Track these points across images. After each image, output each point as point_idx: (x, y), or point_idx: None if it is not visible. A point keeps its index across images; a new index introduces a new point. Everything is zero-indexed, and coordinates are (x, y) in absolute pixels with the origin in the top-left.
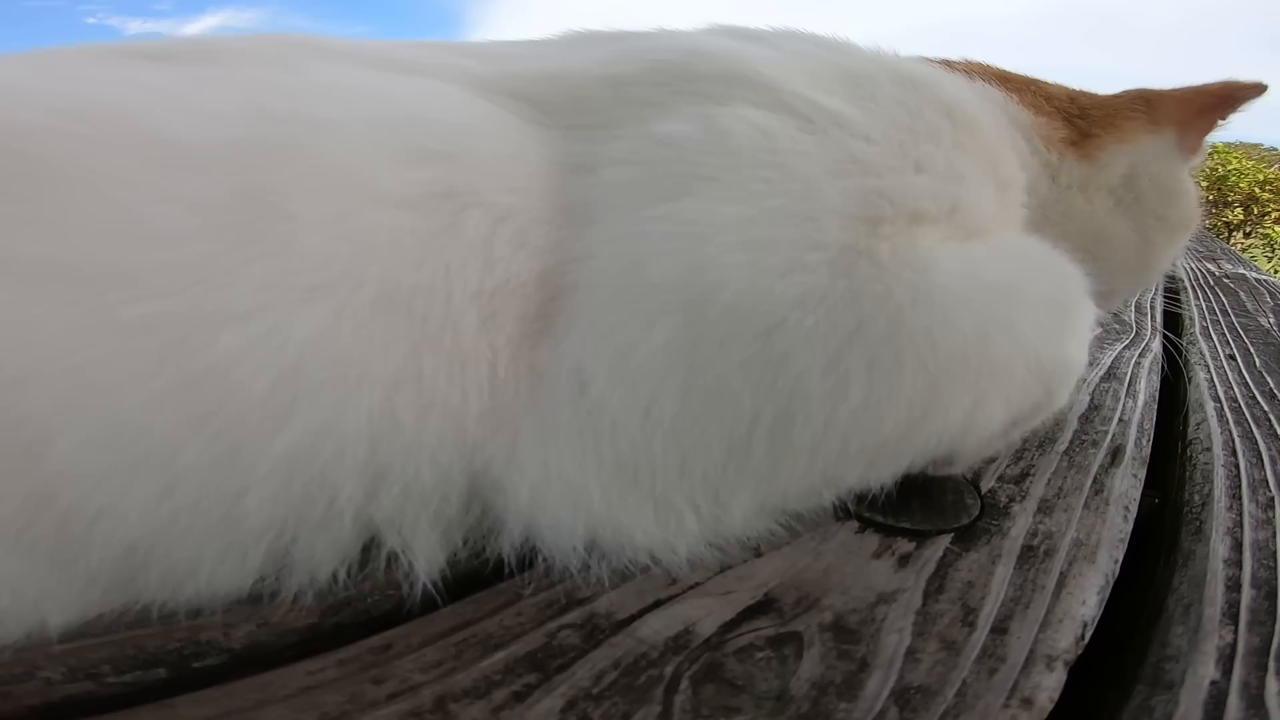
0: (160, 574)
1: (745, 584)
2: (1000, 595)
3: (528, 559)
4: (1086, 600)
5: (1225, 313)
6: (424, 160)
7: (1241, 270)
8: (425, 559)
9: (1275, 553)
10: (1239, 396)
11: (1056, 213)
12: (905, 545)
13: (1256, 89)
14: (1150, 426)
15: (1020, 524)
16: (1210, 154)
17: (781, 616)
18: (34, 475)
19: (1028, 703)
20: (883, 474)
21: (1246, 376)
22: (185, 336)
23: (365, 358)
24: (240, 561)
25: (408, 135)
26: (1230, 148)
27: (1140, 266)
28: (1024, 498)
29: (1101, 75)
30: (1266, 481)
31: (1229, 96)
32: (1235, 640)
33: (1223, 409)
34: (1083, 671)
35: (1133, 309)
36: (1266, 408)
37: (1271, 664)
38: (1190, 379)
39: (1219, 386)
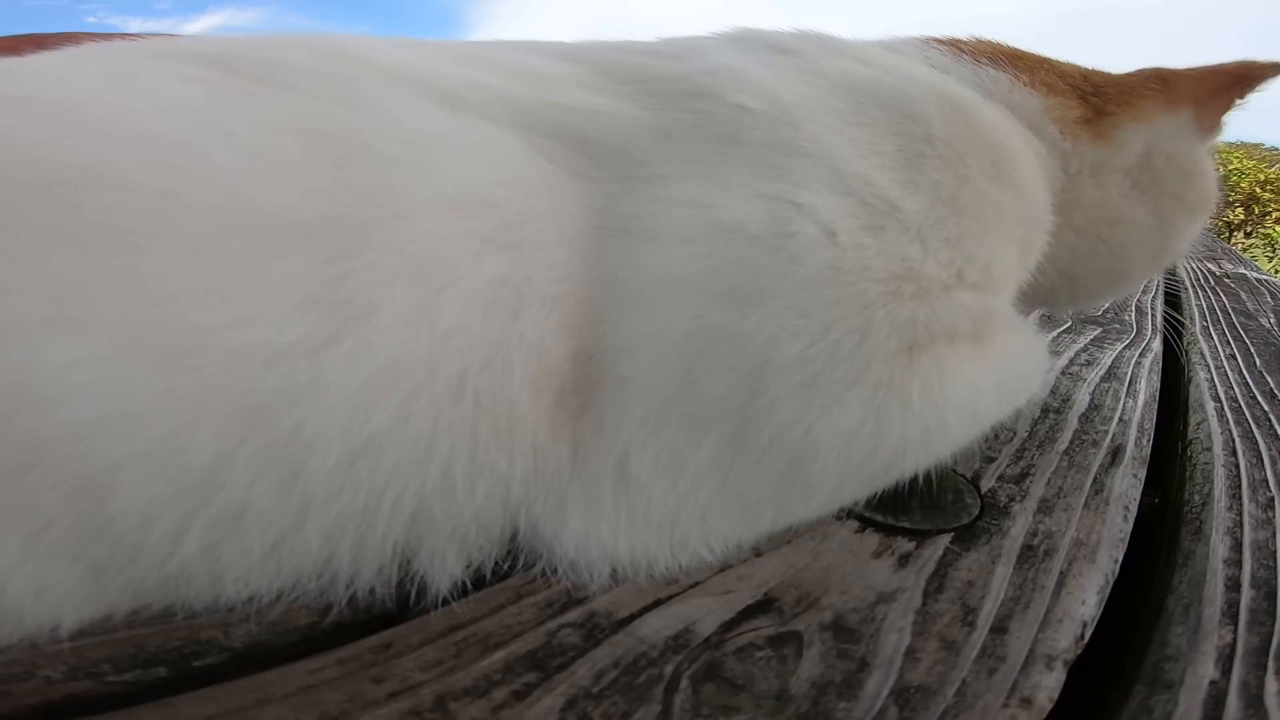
0: (199, 586)
1: (745, 583)
2: (1000, 595)
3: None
4: (1086, 600)
5: (1226, 313)
6: (494, 252)
7: (1242, 270)
8: (447, 576)
9: (1275, 553)
10: (1239, 396)
11: (1063, 202)
12: (905, 545)
13: (1274, 68)
14: (1150, 426)
15: (1020, 524)
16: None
17: (781, 616)
18: (96, 511)
19: (1027, 702)
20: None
21: (1247, 376)
22: (265, 404)
23: (431, 437)
24: (290, 579)
25: (479, 223)
26: (1231, 147)
27: (1158, 249)
28: (1024, 497)
29: None
30: (1266, 481)
31: (1246, 75)
32: (1235, 640)
33: (1223, 409)
34: (1082, 671)
35: (1133, 309)
36: (1266, 408)
37: (1271, 664)
38: (1190, 379)
39: (1219, 386)
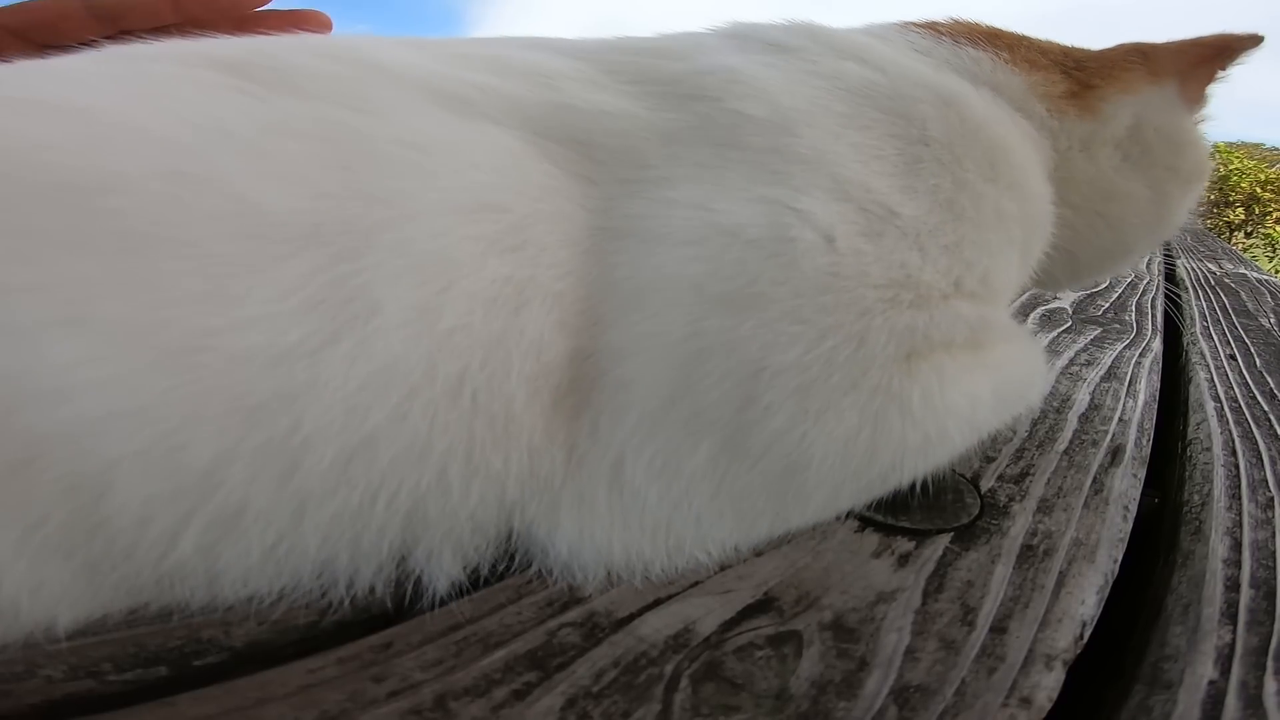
0: (195, 586)
1: (745, 583)
2: (999, 594)
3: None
4: (1085, 600)
5: (1226, 313)
6: (499, 254)
7: (1242, 270)
8: (444, 576)
9: (1274, 553)
10: (1239, 396)
11: (1058, 180)
12: (905, 544)
13: (1253, 40)
14: (1150, 426)
15: (1020, 523)
16: (1212, 153)
17: (781, 615)
18: (91, 508)
19: (1026, 702)
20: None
21: (1247, 376)
22: (264, 403)
23: (428, 435)
24: (290, 579)
25: (487, 227)
26: (1232, 147)
27: (1156, 221)
28: (1024, 497)
29: None
30: (1266, 481)
31: (1225, 47)
32: (1234, 640)
33: (1223, 409)
34: (1081, 671)
35: (1133, 309)
36: (1267, 408)
37: (1270, 664)
38: (1190, 379)
39: (1219, 386)
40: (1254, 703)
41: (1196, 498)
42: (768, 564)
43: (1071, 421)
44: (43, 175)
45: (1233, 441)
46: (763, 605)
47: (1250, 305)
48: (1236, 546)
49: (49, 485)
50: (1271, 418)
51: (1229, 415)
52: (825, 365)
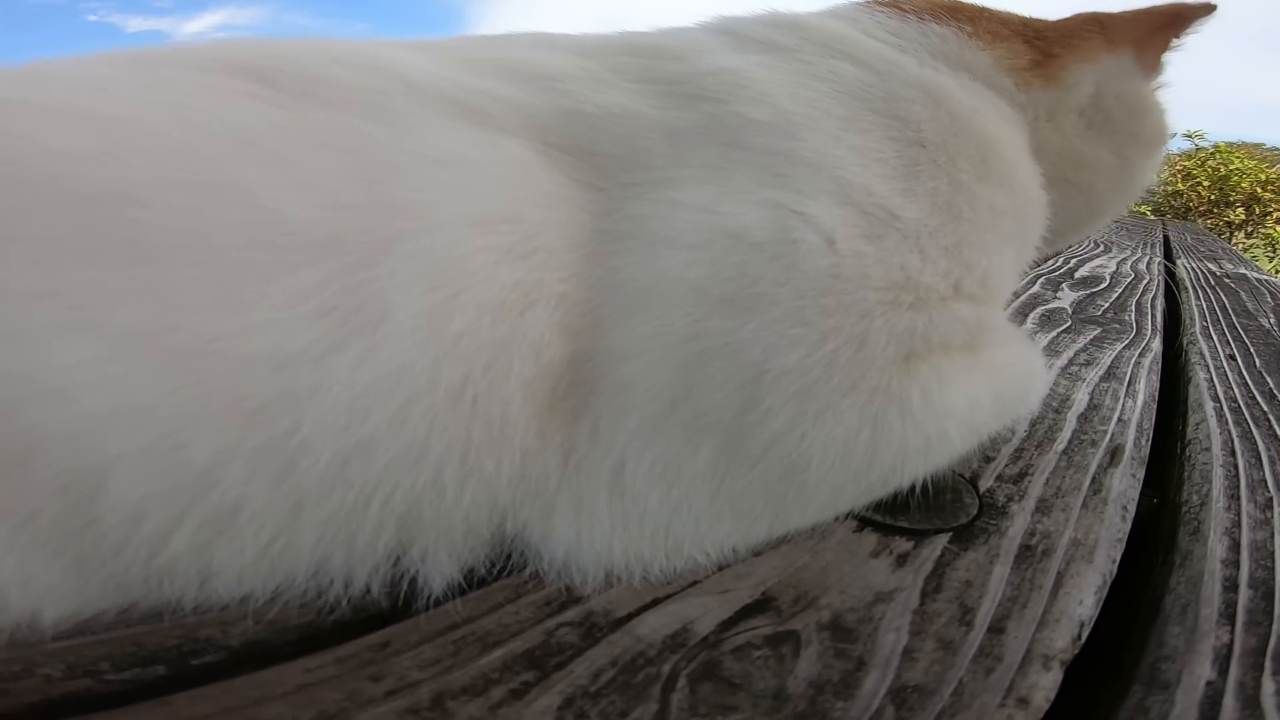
0: (186, 584)
1: (743, 582)
2: (998, 595)
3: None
4: (1084, 600)
5: (1226, 313)
6: (511, 261)
7: (1242, 270)
8: (440, 577)
9: (1273, 553)
10: (1239, 397)
11: (1031, 151)
12: (903, 544)
13: (1205, 9)
14: (1149, 426)
15: (1018, 523)
16: (1212, 153)
17: (779, 615)
18: (85, 506)
19: (1024, 702)
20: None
21: (1246, 377)
22: (265, 406)
23: (425, 439)
24: (285, 578)
25: (502, 238)
26: (1232, 147)
27: (1124, 185)
28: (1022, 497)
29: None
30: (1265, 482)
31: (1178, 15)
32: (1232, 641)
33: (1222, 409)
34: (1079, 671)
35: (1133, 309)
36: (1266, 408)
37: (1268, 664)
38: (1190, 379)
39: (1219, 386)
40: (1251, 703)
41: (1195, 498)
42: (766, 564)
43: (1070, 421)
44: (61, 185)
45: (1232, 442)
46: (761, 605)
47: (1250, 305)
48: (1235, 547)
49: (43, 482)
50: (1271, 418)
51: (1228, 415)
52: (826, 367)
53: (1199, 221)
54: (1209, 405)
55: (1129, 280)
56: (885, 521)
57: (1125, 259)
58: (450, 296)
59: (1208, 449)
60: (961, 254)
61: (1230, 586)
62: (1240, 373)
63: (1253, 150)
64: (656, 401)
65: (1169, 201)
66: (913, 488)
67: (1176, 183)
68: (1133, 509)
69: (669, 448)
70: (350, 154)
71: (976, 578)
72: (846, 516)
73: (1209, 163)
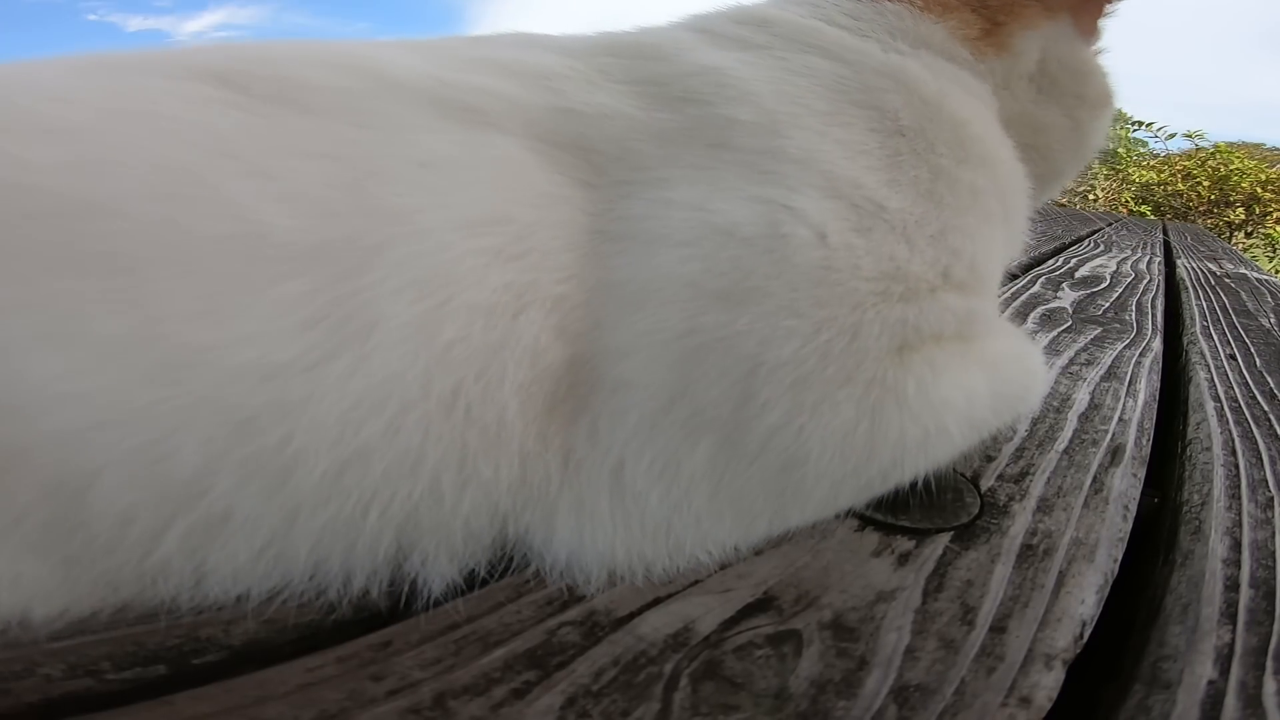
0: (180, 584)
1: (744, 582)
2: (999, 594)
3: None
4: (1085, 599)
5: (1226, 312)
6: (503, 263)
7: (1243, 270)
8: (441, 580)
9: (1274, 553)
10: (1239, 396)
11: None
12: (905, 544)
13: None
14: (1150, 426)
15: (1020, 523)
16: (1212, 153)
17: (781, 614)
18: (72, 511)
19: (1026, 701)
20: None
21: (1247, 376)
22: (255, 417)
23: (421, 447)
24: (281, 580)
25: (493, 240)
26: (1233, 147)
27: (1078, 145)
28: (1024, 496)
29: None
30: (1266, 481)
31: None
32: (1233, 640)
33: (1223, 409)
34: (1081, 670)
35: (1133, 308)
36: (1266, 408)
37: (1269, 664)
38: (1191, 379)
39: (1219, 386)
40: (1253, 703)
41: (1196, 497)
42: (767, 563)
43: (1071, 421)
44: (34, 199)
45: (1232, 441)
46: (762, 604)
47: (1250, 305)
48: (1236, 546)
49: (29, 489)
50: (1271, 418)
51: (1229, 415)
52: (821, 358)
53: (1199, 221)
54: (1209, 405)
55: (1129, 280)
56: (886, 520)
57: (1125, 259)
58: (440, 304)
59: (1208, 448)
60: (947, 240)
61: (1231, 586)
62: (1241, 372)
63: (1253, 150)
64: (654, 399)
65: (1169, 201)
66: (914, 485)
67: (1176, 183)
68: (1134, 508)
69: (668, 445)
70: (332, 159)
71: (978, 577)
72: (847, 515)
73: (1209, 163)
